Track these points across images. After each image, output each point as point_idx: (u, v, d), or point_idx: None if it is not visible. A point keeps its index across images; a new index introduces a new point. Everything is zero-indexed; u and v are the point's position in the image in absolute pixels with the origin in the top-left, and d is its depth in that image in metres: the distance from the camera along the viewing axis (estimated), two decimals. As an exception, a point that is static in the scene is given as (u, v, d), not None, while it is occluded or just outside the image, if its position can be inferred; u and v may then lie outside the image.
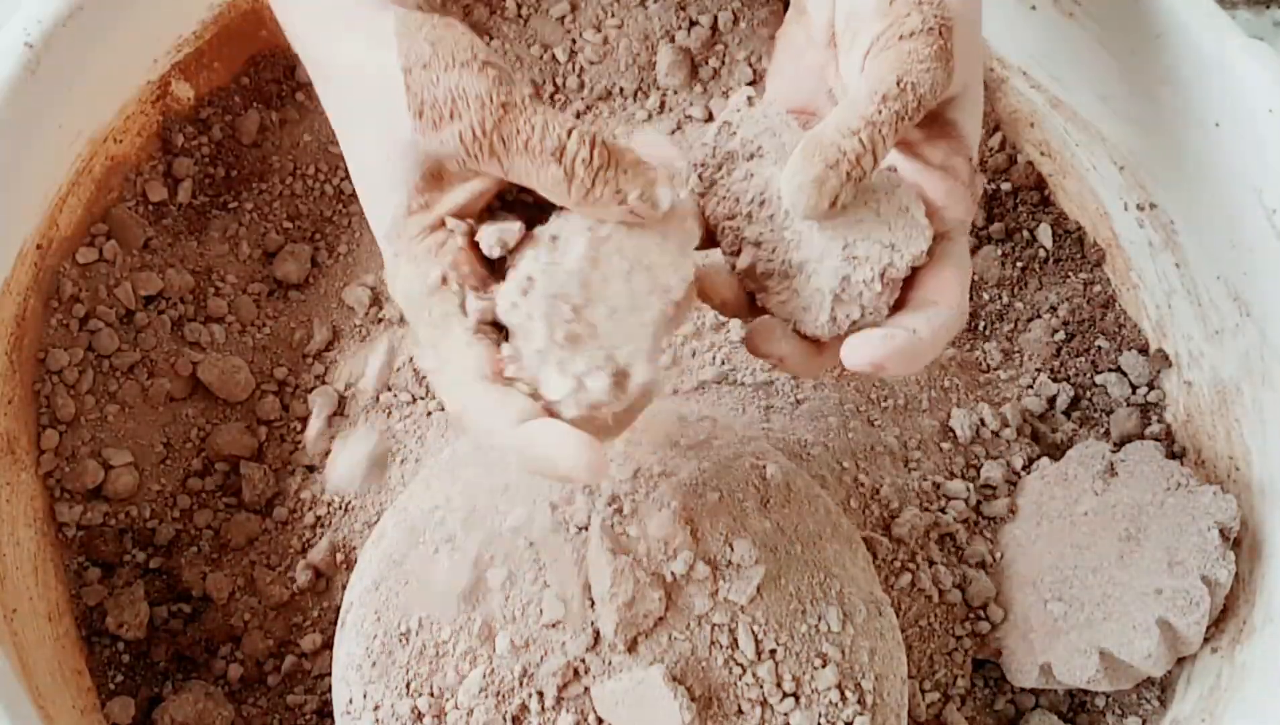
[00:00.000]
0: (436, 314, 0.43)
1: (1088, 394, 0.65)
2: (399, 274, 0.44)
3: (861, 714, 0.49)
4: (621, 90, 0.70)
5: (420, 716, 0.49)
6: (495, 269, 0.44)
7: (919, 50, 0.44)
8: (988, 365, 0.66)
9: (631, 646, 0.48)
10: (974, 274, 0.68)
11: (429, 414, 0.60)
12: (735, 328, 0.62)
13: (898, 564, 0.58)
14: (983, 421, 0.63)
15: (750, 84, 0.68)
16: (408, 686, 0.49)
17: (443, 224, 0.44)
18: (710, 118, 0.69)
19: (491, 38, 0.69)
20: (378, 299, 0.64)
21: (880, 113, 0.43)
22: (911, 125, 0.44)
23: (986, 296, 0.67)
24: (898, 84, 0.43)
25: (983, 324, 0.67)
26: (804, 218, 0.44)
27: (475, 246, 0.44)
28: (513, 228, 0.43)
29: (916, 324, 0.44)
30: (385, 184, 0.44)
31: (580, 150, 0.41)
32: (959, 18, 0.45)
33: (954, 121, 0.47)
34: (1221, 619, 0.56)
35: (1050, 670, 0.55)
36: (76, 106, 0.59)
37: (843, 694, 0.49)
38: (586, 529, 0.50)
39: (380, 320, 0.64)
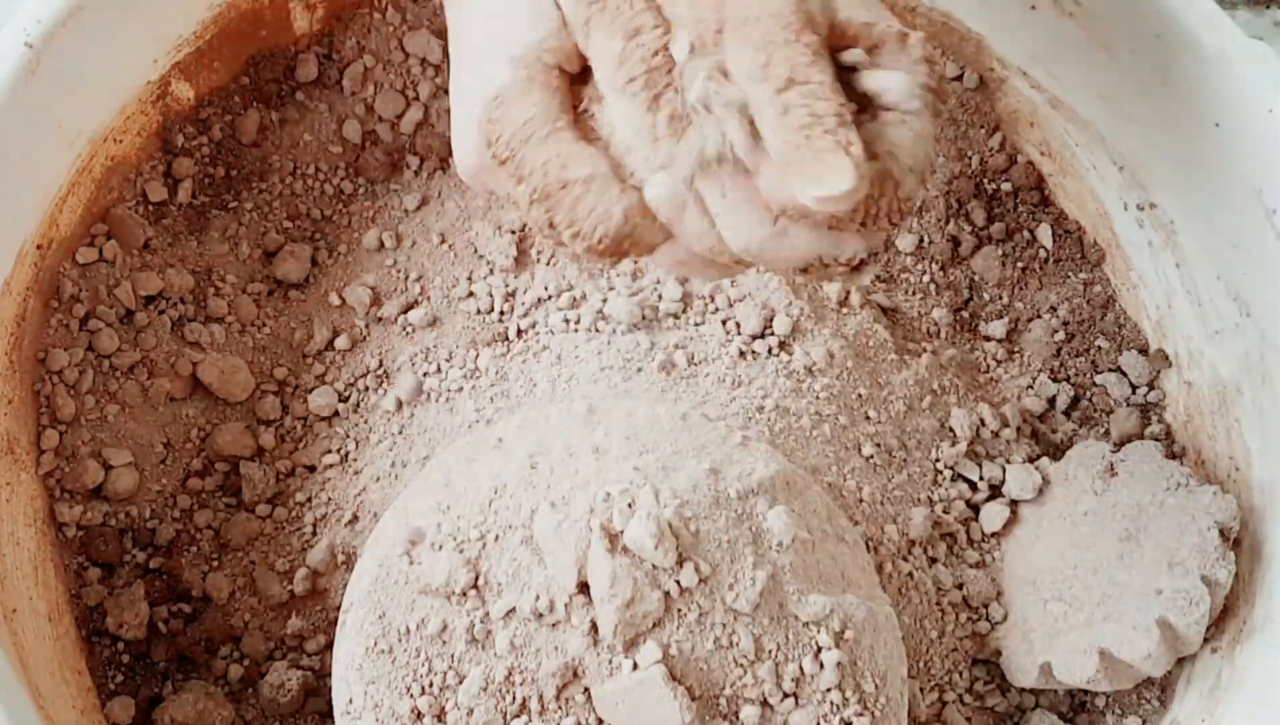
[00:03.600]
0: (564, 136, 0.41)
1: (1088, 394, 0.65)
2: (525, 97, 0.41)
3: (861, 714, 0.49)
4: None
5: (420, 716, 0.49)
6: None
7: None
8: (988, 365, 0.66)
9: (631, 646, 0.48)
10: (974, 274, 0.68)
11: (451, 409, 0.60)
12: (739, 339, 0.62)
13: (898, 564, 0.58)
14: (983, 421, 0.63)
15: None
16: (407, 687, 0.49)
17: (565, 77, 0.42)
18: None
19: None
20: (378, 298, 0.64)
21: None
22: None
23: (986, 296, 0.67)
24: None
25: (983, 324, 0.67)
26: None
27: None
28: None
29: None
30: (529, 9, 0.42)
31: (650, 41, 0.39)
32: None
33: (847, 21, 0.42)
34: (1221, 619, 0.56)
35: (1050, 670, 0.55)
36: (76, 106, 0.59)
37: (843, 694, 0.49)
38: (586, 529, 0.50)
39: (380, 320, 0.64)
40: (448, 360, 0.62)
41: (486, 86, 0.43)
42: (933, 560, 0.59)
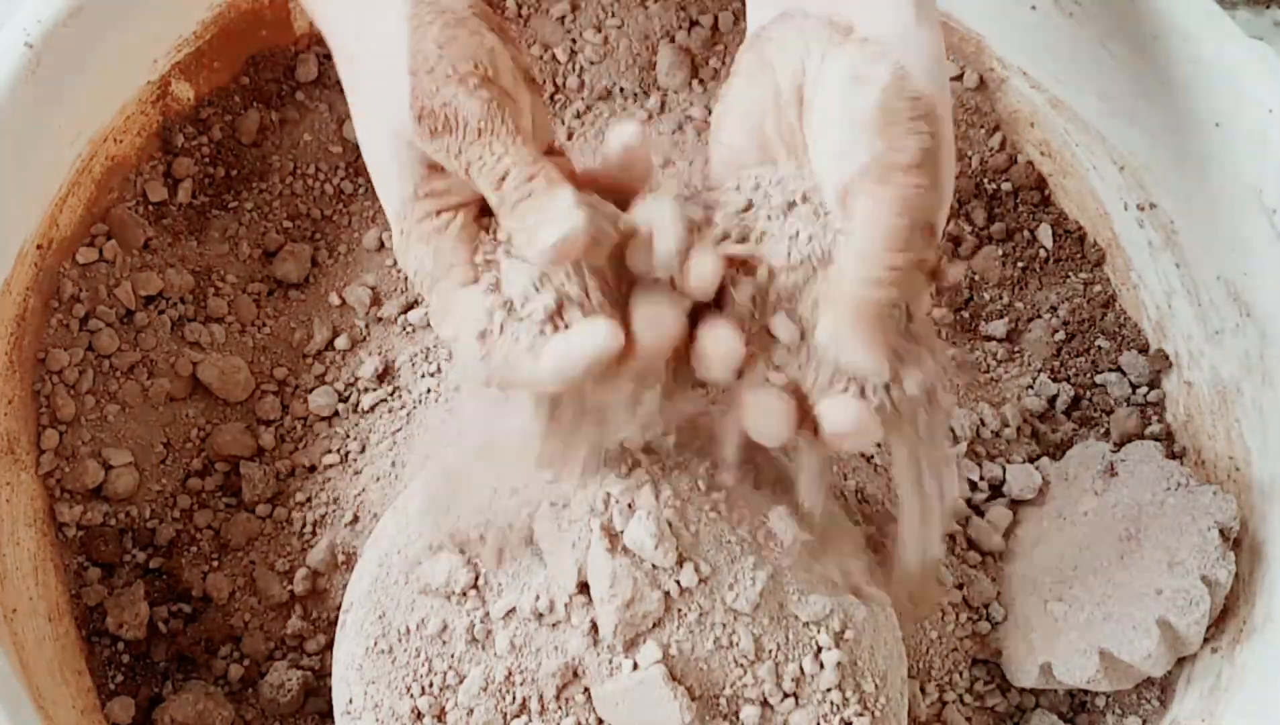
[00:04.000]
0: (446, 284, 0.45)
1: (1088, 394, 0.65)
2: (409, 251, 0.46)
3: (861, 714, 0.49)
4: (622, 90, 0.70)
5: (420, 716, 0.49)
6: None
7: (921, 182, 0.41)
8: (988, 365, 0.66)
9: (631, 646, 0.48)
10: (974, 274, 0.68)
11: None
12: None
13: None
14: (983, 421, 0.63)
15: None
16: (407, 687, 0.49)
17: (451, 208, 0.45)
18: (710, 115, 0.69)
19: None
20: (378, 298, 0.65)
21: (898, 258, 0.41)
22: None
23: (987, 296, 0.67)
24: (909, 225, 0.41)
25: (983, 324, 0.67)
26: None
27: (477, 221, 0.46)
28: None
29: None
30: (393, 170, 0.45)
31: (516, 175, 0.43)
32: (943, 121, 0.43)
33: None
34: (1221, 619, 0.56)
35: (1050, 670, 0.55)
36: (76, 106, 0.59)
37: (843, 694, 0.49)
38: (586, 529, 0.50)
39: (380, 320, 0.64)
40: (448, 360, 0.62)
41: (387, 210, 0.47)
42: (933, 560, 0.59)
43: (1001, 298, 0.67)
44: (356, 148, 0.68)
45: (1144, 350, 0.66)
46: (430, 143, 0.44)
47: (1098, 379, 0.65)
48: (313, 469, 0.61)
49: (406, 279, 0.65)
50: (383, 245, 0.66)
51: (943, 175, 0.43)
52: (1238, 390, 0.60)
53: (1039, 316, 0.67)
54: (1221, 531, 0.55)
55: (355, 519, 0.59)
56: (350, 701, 0.50)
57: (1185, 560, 0.55)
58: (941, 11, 0.67)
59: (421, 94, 0.43)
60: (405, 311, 0.64)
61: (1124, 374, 0.65)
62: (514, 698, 0.48)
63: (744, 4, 0.53)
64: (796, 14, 0.45)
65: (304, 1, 0.50)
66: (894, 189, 0.41)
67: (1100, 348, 0.66)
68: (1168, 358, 0.65)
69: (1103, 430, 0.64)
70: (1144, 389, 0.65)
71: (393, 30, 0.44)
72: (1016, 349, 0.67)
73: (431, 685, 0.49)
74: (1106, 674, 0.54)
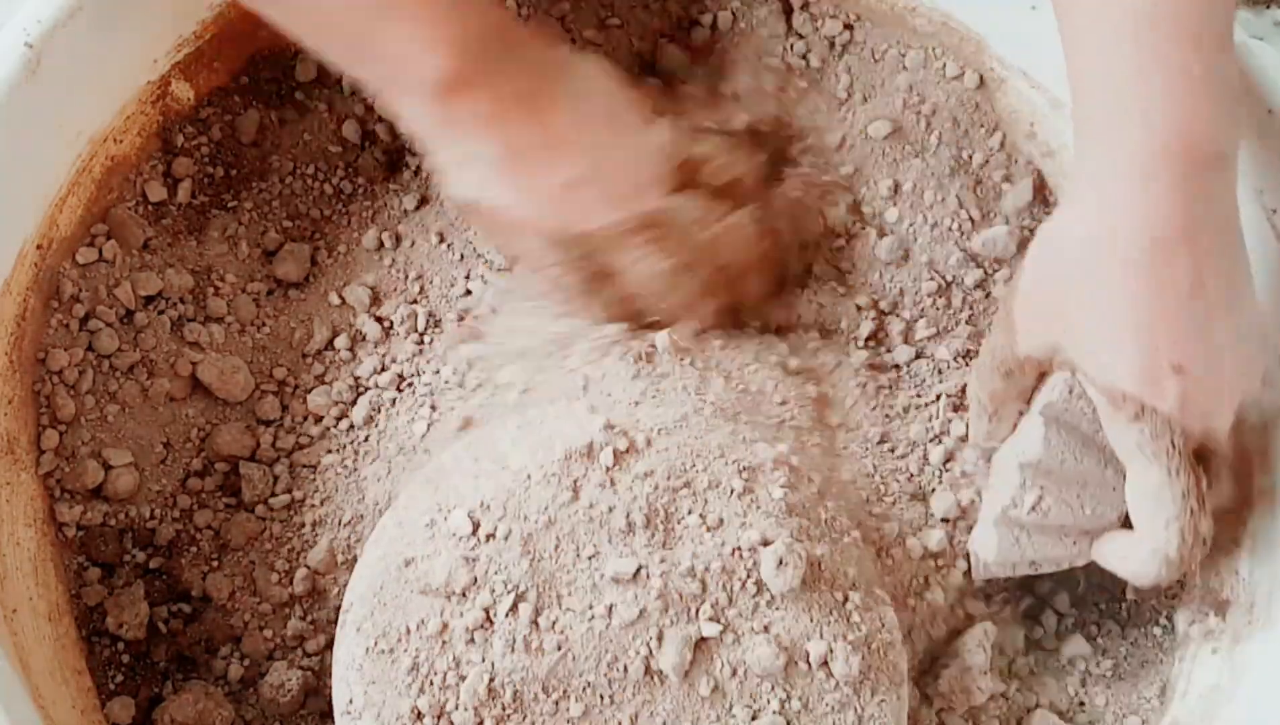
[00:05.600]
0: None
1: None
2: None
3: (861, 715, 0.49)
4: (622, 90, 0.70)
5: (420, 716, 0.49)
6: None
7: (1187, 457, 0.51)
8: (988, 365, 0.66)
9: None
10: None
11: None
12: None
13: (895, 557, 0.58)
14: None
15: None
16: (407, 687, 0.49)
17: None
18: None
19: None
20: (378, 298, 0.65)
21: (1189, 513, 0.50)
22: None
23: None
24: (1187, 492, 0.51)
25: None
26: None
27: None
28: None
29: None
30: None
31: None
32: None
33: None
34: (1221, 619, 0.56)
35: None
36: (76, 106, 0.59)
37: (842, 695, 0.49)
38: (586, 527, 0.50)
39: (380, 319, 0.64)
40: (444, 360, 0.62)
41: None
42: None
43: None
44: (356, 147, 0.68)
45: (1144, 350, 0.66)
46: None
47: (1098, 379, 0.65)
48: (313, 469, 0.61)
49: (406, 278, 0.65)
50: (382, 245, 0.66)
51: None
52: (1238, 390, 0.60)
53: (1039, 316, 0.67)
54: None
55: (355, 519, 0.59)
56: (350, 701, 0.50)
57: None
58: (941, 12, 0.67)
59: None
60: (408, 319, 0.64)
61: (1124, 374, 0.65)
62: (514, 697, 0.48)
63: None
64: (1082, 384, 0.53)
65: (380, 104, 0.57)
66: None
67: (1100, 348, 0.66)
68: (1168, 358, 0.64)
69: (1103, 430, 0.64)
70: (1144, 389, 0.65)
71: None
72: (1016, 349, 0.67)
73: (431, 685, 0.49)
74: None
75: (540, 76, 0.57)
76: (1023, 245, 0.68)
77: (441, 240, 0.65)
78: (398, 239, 0.66)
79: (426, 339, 0.63)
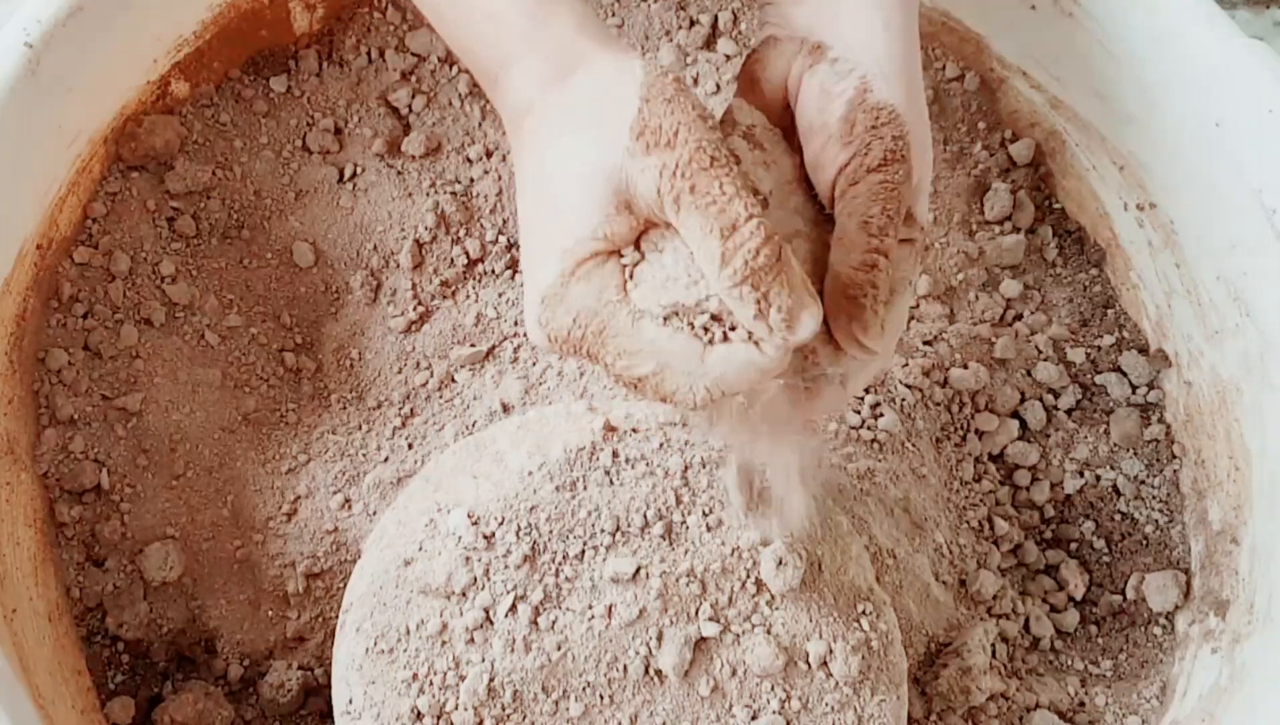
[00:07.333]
0: (620, 319, 0.44)
1: (1088, 394, 0.65)
2: (567, 295, 0.45)
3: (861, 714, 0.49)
4: (621, 90, 0.70)
5: (420, 716, 0.49)
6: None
7: (890, 179, 0.46)
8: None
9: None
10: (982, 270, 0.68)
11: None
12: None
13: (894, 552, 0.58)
14: (983, 421, 0.63)
15: None
16: (408, 687, 0.49)
17: (604, 254, 0.45)
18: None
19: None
20: (378, 294, 0.65)
21: (875, 241, 0.45)
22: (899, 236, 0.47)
23: (987, 296, 0.67)
24: (882, 213, 0.45)
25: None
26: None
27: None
28: None
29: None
30: (579, 205, 0.45)
31: (750, 240, 0.41)
32: (912, 125, 0.47)
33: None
34: (1221, 619, 0.56)
35: None
36: (76, 106, 0.59)
37: (842, 695, 0.49)
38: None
39: (384, 322, 0.64)
40: (441, 358, 0.62)
41: (539, 280, 0.45)
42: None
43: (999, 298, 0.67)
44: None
45: (1144, 350, 0.66)
46: (642, 159, 0.43)
47: (1098, 379, 0.65)
48: (314, 467, 0.61)
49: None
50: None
51: (915, 169, 0.47)
52: (1237, 390, 0.60)
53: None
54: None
55: (355, 519, 0.59)
56: (350, 701, 0.50)
57: None
58: (941, 12, 0.67)
59: (649, 114, 0.43)
60: (408, 316, 0.64)
61: (1124, 374, 0.65)
62: (514, 697, 0.48)
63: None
64: (781, 37, 0.49)
65: (455, 38, 0.50)
66: (864, 186, 0.46)
67: (1100, 348, 0.66)
68: (1168, 358, 0.65)
69: (1102, 429, 0.64)
70: (1144, 389, 0.65)
71: (609, 72, 0.45)
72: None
73: (431, 685, 0.49)
74: None
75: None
76: (1024, 247, 0.68)
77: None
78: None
79: (421, 338, 0.63)
